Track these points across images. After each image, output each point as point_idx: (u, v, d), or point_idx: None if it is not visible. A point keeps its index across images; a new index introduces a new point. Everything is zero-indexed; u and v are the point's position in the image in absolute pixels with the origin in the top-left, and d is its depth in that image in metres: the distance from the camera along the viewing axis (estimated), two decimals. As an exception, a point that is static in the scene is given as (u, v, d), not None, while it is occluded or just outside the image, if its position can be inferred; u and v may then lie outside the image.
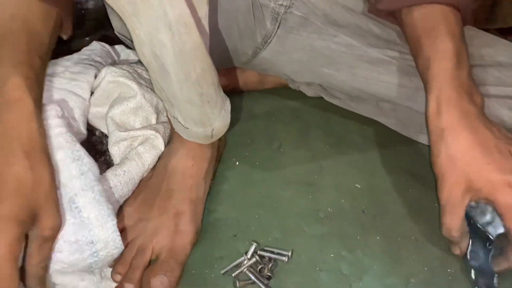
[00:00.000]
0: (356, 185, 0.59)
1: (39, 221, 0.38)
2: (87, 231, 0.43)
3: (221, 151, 0.61)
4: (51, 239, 0.40)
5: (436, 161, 0.47)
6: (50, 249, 0.41)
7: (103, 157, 0.57)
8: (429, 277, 0.50)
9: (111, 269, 0.49)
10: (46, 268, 0.41)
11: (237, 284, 0.48)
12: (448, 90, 0.47)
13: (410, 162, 0.62)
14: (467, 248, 0.48)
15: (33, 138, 0.38)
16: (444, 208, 0.47)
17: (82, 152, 0.45)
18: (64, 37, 0.48)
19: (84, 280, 0.47)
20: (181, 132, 0.52)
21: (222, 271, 0.50)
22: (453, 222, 0.47)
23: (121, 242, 0.47)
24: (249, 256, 0.50)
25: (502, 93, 0.55)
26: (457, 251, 0.50)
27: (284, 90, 0.73)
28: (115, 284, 0.49)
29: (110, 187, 0.51)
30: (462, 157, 0.46)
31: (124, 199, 0.53)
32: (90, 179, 0.43)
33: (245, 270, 0.49)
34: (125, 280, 0.48)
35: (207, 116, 0.50)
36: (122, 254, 0.49)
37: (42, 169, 0.38)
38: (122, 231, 0.51)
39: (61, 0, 0.44)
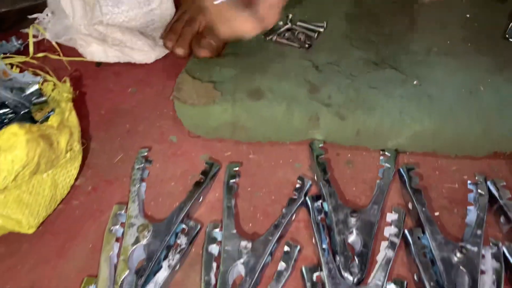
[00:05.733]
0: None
1: None
2: None
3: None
4: None
5: None
6: None
7: None
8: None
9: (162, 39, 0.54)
10: None
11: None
12: None
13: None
14: None
15: None
16: None
17: None
18: None
19: (141, 40, 0.53)
20: None
21: (266, 38, 0.54)
22: None
23: (172, 4, 0.52)
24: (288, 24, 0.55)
25: None
26: None
27: None
28: (167, 51, 0.54)
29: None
30: None
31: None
32: None
33: (283, 33, 0.54)
34: (176, 45, 0.52)
35: None
36: (172, 24, 0.54)
37: None
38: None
39: None
